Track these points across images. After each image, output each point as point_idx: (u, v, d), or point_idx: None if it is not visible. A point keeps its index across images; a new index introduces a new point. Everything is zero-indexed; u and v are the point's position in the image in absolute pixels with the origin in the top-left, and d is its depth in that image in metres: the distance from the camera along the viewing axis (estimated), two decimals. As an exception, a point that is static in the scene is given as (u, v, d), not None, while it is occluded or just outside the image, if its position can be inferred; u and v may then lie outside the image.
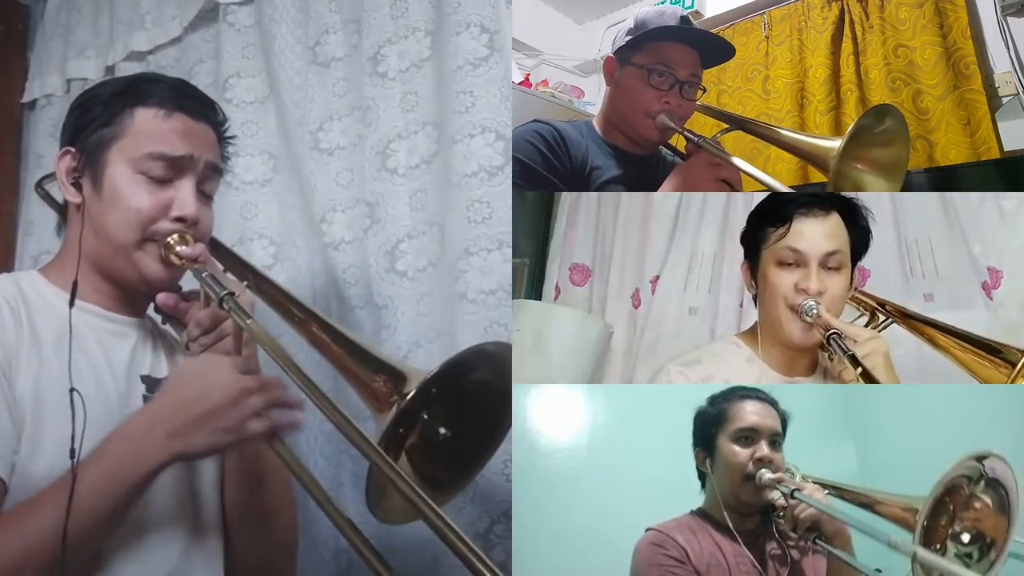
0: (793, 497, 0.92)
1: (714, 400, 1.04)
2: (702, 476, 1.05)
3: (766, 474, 0.97)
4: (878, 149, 1.24)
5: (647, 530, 1.01)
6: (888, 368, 0.95)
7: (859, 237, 1.04)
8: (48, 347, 0.88)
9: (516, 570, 1.10)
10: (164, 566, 0.90)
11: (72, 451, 0.77)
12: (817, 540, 0.92)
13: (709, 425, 1.04)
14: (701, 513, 1.03)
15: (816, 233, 1.01)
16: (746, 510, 1.00)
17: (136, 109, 0.95)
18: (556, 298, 1.59)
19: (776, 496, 0.96)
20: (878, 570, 0.87)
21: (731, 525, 0.98)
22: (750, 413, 1.01)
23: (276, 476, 0.96)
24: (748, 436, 1.00)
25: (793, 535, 0.95)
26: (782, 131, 1.41)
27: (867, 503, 0.91)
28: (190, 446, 0.79)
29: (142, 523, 0.88)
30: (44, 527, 0.74)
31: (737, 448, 1.00)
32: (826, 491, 0.95)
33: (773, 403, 1.03)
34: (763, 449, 0.99)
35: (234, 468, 0.96)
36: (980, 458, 0.80)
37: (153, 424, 0.79)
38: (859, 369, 0.92)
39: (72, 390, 0.81)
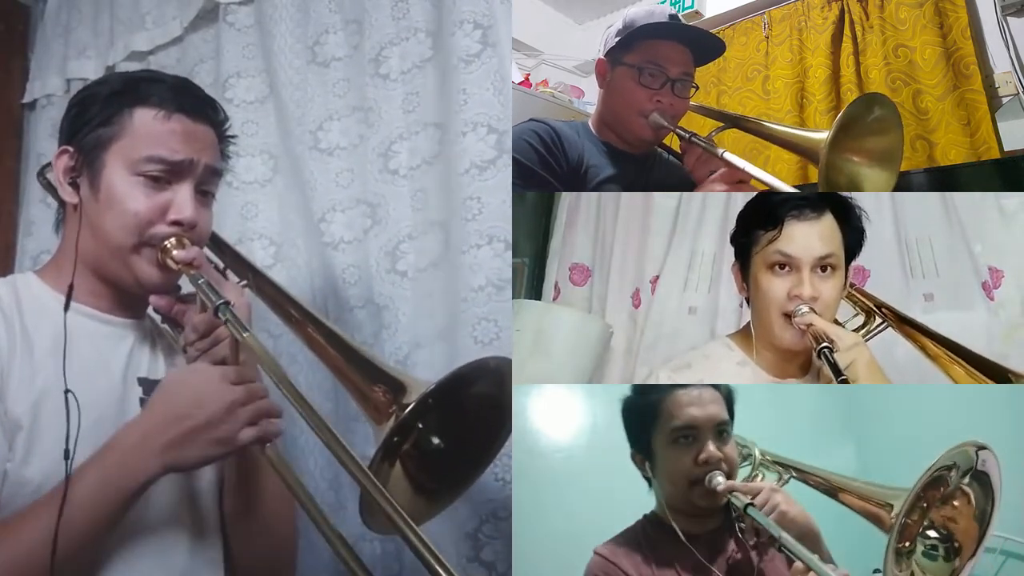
0: (746, 513, 0.82)
1: (642, 389, 0.92)
2: (649, 479, 0.94)
3: (717, 477, 0.86)
4: (871, 139, 1.20)
5: (595, 553, 0.91)
6: (871, 376, 0.90)
7: (853, 237, 0.99)
8: (42, 352, 0.87)
9: (516, 570, 1.10)
10: (164, 570, 0.90)
11: (66, 451, 0.77)
12: (782, 548, 0.81)
13: (640, 422, 0.92)
14: (655, 521, 0.93)
15: (809, 237, 0.95)
16: (703, 513, 0.90)
17: (135, 109, 0.93)
18: (556, 298, 1.59)
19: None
20: (877, 570, 0.86)
21: (684, 538, 0.88)
22: (685, 405, 0.88)
23: (275, 481, 0.95)
24: (688, 435, 0.88)
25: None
26: (772, 126, 1.40)
27: (831, 491, 0.85)
28: (183, 458, 0.81)
29: (142, 527, 0.87)
30: (37, 537, 0.74)
31: (678, 451, 0.88)
32: (788, 475, 0.88)
33: (711, 384, 0.91)
34: (708, 448, 0.87)
35: (232, 475, 0.95)
36: (979, 448, 0.77)
37: (145, 436, 0.80)
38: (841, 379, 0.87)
39: (67, 391, 0.80)
